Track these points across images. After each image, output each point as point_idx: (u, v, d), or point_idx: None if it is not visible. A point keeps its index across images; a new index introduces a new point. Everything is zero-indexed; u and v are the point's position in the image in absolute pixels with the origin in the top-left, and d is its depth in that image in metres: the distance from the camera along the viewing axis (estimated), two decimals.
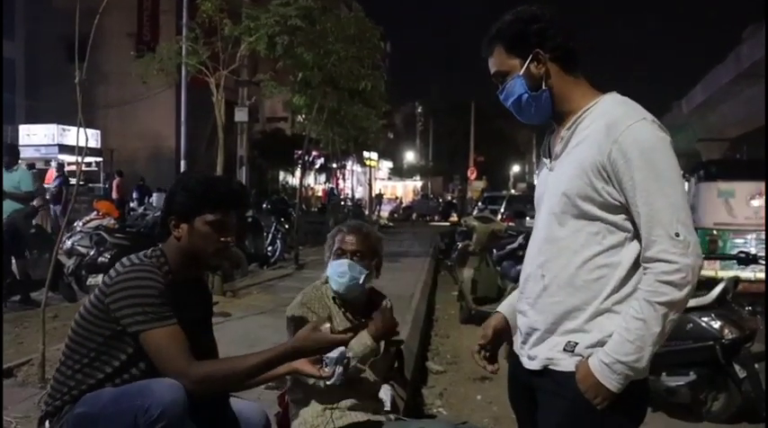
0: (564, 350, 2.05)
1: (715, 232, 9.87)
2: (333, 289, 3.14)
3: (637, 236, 1.99)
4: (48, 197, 17.68)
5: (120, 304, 2.37)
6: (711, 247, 9.64)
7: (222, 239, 2.56)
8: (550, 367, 2.07)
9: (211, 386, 2.37)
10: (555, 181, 2.12)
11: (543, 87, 2.11)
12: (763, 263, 6.16)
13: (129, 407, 2.28)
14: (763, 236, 9.14)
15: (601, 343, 1.99)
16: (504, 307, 2.43)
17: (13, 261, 8.69)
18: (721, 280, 5.34)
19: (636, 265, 2.00)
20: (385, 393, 3.43)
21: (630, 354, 1.93)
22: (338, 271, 3.10)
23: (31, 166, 16.57)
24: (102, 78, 27.20)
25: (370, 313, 3.25)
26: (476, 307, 8.45)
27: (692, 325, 4.97)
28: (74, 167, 20.52)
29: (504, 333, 2.39)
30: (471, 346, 2.40)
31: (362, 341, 3.02)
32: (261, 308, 8.39)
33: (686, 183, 10.76)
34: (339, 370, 2.57)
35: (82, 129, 5.32)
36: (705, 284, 5.18)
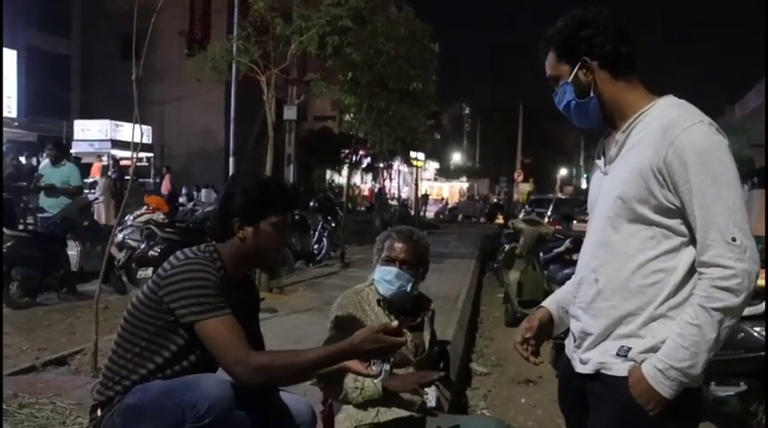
0: (617, 354, 2.03)
1: None
2: (380, 293, 3.15)
3: (693, 240, 1.96)
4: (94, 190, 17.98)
5: (175, 296, 2.41)
6: (764, 256, 9.40)
7: (283, 239, 2.67)
8: (603, 371, 2.05)
9: (269, 375, 2.37)
10: (609, 185, 2.10)
11: (591, 95, 2.09)
12: None
13: (177, 402, 2.32)
14: None
15: (654, 349, 1.96)
16: (549, 303, 2.41)
17: (76, 250, 8.90)
18: None
19: (692, 270, 1.96)
20: (430, 393, 3.43)
21: (684, 360, 1.90)
22: (386, 279, 3.11)
23: (77, 160, 16.92)
24: (153, 75, 27.67)
25: (416, 315, 3.26)
26: (521, 309, 8.39)
27: (743, 334, 4.86)
28: (128, 162, 20.93)
29: (548, 328, 2.37)
30: (514, 337, 2.36)
31: None
32: (306, 306, 8.47)
33: None
34: (386, 367, 2.58)
35: (137, 126, 5.43)
36: (757, 293, 5.06)
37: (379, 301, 3.15)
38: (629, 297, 2.02)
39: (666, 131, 1.94)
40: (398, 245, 3.15)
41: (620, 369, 2.01)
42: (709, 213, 1.89)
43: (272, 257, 2.71)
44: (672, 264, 1.98)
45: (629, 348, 2.01)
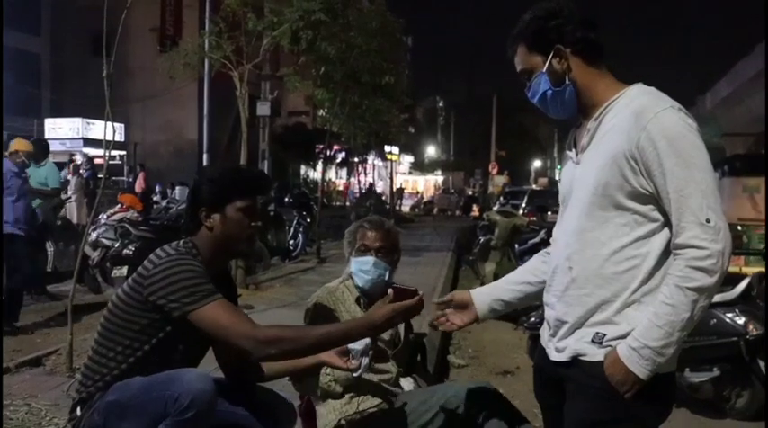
0: (592, 341, 2.05)
1: (739, 228, 9.75)
2: (357, 285, 3.14)
3: (665, 225, 1.99)
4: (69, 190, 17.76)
5: (163, 292, 2.39)
6: (736, 243, 9.46)
7: (252, 224, 2.63)
8: (579, 357, 2.07)
9: (279, 347, 2.34)
10: (582, 173, 2.12)
11: (566, 82, 2.12)
12: None
13: (159, 396, 2.31)
14: None
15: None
16: (479, 291, 2.52)
17: (50, 250, 8.79)
18: (746, 275, 5.29)
19: (665, 255, 2.00)
20: (408, 386, 3.44)
21: (659, 339, 1.92)
22: (363, 269, 3.10)
23: (61, 167, 16.61)
24: (125, 72, 27.40)
25: None
26: None
27: (715, 320, 4.93)
28: (100, 160, 20.72)
29: (463, 309, 2.48)
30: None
31: None
32: (283, 301, 8.46)
33: None
34: (365, 361, 2.58)
35: (109, 123, 5.39)
36: (730, 280, 5.12)
37: (358, 299, 3.13)
38: (604, 284, 2.04)
39: (638, 117, 1.97)
40: (371, 234, 3.15)
41: (595, 354, 2.04)
42: (682, 196, 1.92)
43: (244, 244, 2.66)
44: (644, 250, 2.01)
45: (604, 334, 2.03)
